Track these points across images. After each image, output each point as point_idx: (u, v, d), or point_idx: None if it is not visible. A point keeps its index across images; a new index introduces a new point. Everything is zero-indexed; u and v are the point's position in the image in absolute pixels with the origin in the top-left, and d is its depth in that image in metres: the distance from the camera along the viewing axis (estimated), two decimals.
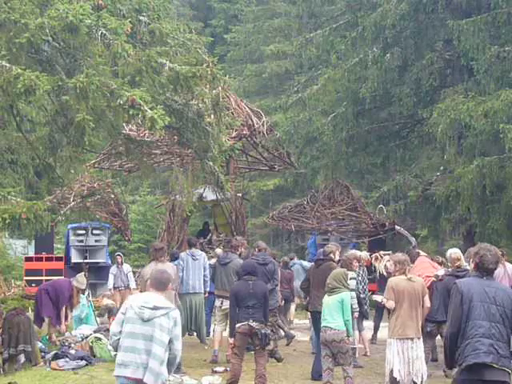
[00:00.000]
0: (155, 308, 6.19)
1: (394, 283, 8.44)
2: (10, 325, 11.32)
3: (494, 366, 5.59)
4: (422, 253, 11.89)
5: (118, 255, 17.27)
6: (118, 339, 6.22)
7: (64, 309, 13.28)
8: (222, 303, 11.87)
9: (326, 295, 9.22)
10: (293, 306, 16.15)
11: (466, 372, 5.65)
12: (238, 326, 9.18)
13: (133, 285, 16.42)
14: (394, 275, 8.54)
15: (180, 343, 6.30)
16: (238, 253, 12.42)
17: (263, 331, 9.08)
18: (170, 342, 6.21)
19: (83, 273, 15.17)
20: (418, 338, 8.36)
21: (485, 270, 5.83)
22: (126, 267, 17.09)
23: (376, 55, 21.02)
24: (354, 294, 10.72)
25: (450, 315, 5.82)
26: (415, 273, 9.50)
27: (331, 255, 10.67)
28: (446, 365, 6.26)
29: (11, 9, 9.22)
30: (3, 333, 11.35)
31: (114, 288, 16.54)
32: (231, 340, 9.41)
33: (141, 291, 10.23)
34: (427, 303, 8.55)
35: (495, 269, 5.90)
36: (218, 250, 13.89)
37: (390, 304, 8.43)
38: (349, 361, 9.06)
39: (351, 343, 9.64)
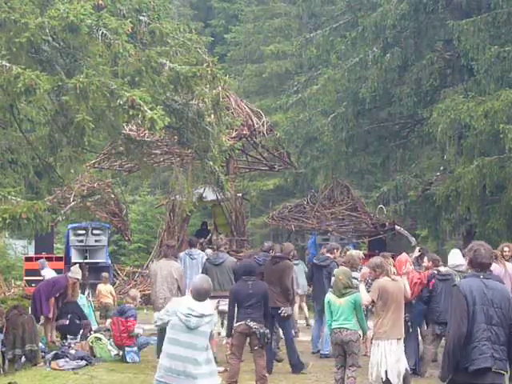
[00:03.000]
0: (202, 316, 6.29)
1: (381, 285, 8.50)
2: (14, 326, 11.27)
3: (492, 369, 5.62)
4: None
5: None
6: (165, 322, 6.39)
7: (53, 299, 13.07)
8: (218, 303, 11.81)
9: (332, 294, 9.14)
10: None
11: (469, 375, 5.64)
12: (236, 325, 9.18)
13: None
14: (378, 278, 8.62)
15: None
16: (226, 251, 12.52)
17: (261, 330, 9.08)
18: None
19: (78, 264, 15.23)
20: (400, 339, 8.58)
21: (479, 265, 5.81)
22: None
23: (376, 55, 20.98)
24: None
25: (456, 317, 5.72)
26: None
27: (291, 253, 11.48)
28: (442, 375, 5.87)
29: (11, 8, 9.21)
30: (7, 333, 11.31)
31: None
32: (229, 340, 9.41)
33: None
34: (408, 294, 9.21)
35: (490, 264, 5.86)
36: (209, 251, 13.88)
37: (366, 298, 8.58)
38: (357, 361, 9.09)
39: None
